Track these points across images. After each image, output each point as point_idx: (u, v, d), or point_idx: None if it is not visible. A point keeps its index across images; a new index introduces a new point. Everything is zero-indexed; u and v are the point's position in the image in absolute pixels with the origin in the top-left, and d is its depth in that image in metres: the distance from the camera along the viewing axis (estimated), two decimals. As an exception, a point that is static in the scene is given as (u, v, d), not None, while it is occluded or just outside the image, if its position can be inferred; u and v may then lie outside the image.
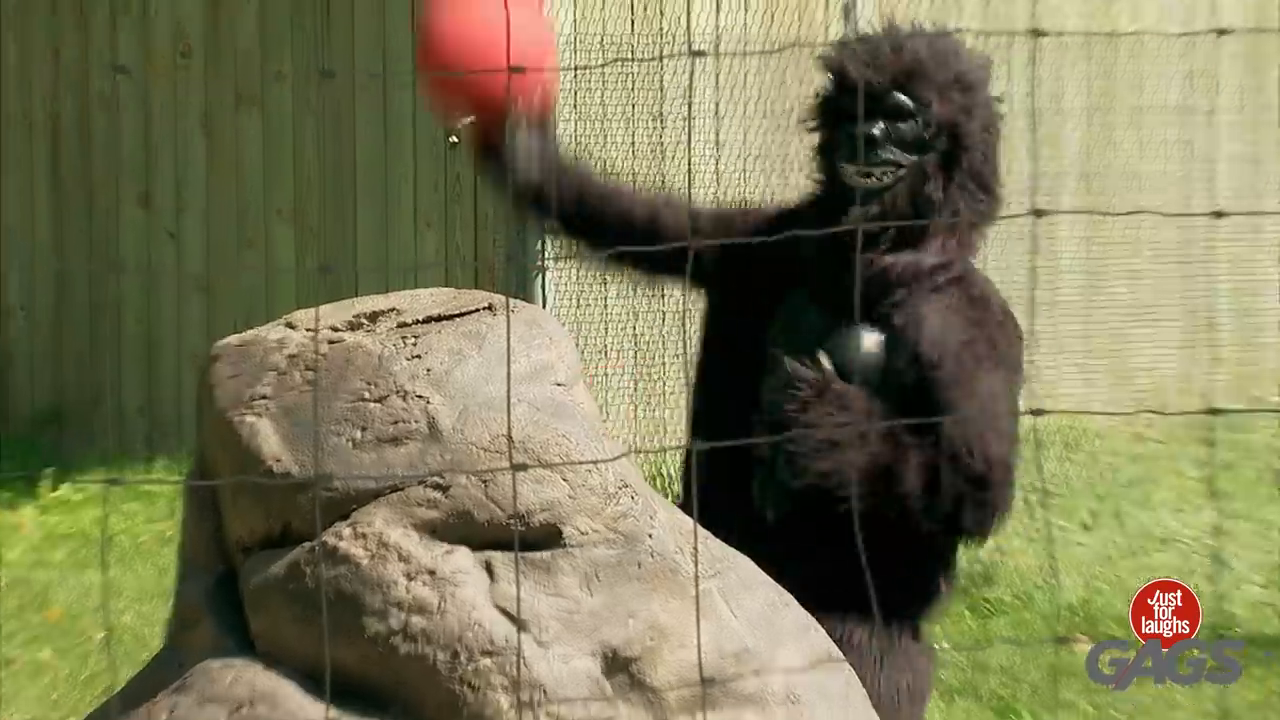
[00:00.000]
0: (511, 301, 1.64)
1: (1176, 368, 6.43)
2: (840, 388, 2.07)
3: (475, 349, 1.60)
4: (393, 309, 1.66)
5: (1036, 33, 5.69)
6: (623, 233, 2.26)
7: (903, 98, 2.09)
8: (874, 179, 2.11)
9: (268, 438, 1.57)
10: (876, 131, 2.08)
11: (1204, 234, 6.31)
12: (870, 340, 2.14)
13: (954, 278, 2.14)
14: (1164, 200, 6.20)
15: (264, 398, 1.58)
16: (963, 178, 2.11)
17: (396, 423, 1.57)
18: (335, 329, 1.62)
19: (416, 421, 1.58)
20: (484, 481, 1.55)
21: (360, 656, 1.55)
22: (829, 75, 2.21)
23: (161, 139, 6.14)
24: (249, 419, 1.57)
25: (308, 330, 1.62)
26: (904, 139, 2.10)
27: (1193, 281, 6.46)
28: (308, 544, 1.55)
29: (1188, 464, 5.43)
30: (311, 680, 1.53)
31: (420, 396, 1.57)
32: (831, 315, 2.16)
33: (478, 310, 1.65)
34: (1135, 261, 6.45)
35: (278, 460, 1.56)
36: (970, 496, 2.01)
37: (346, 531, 1.56)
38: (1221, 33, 5.71)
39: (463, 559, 1.55)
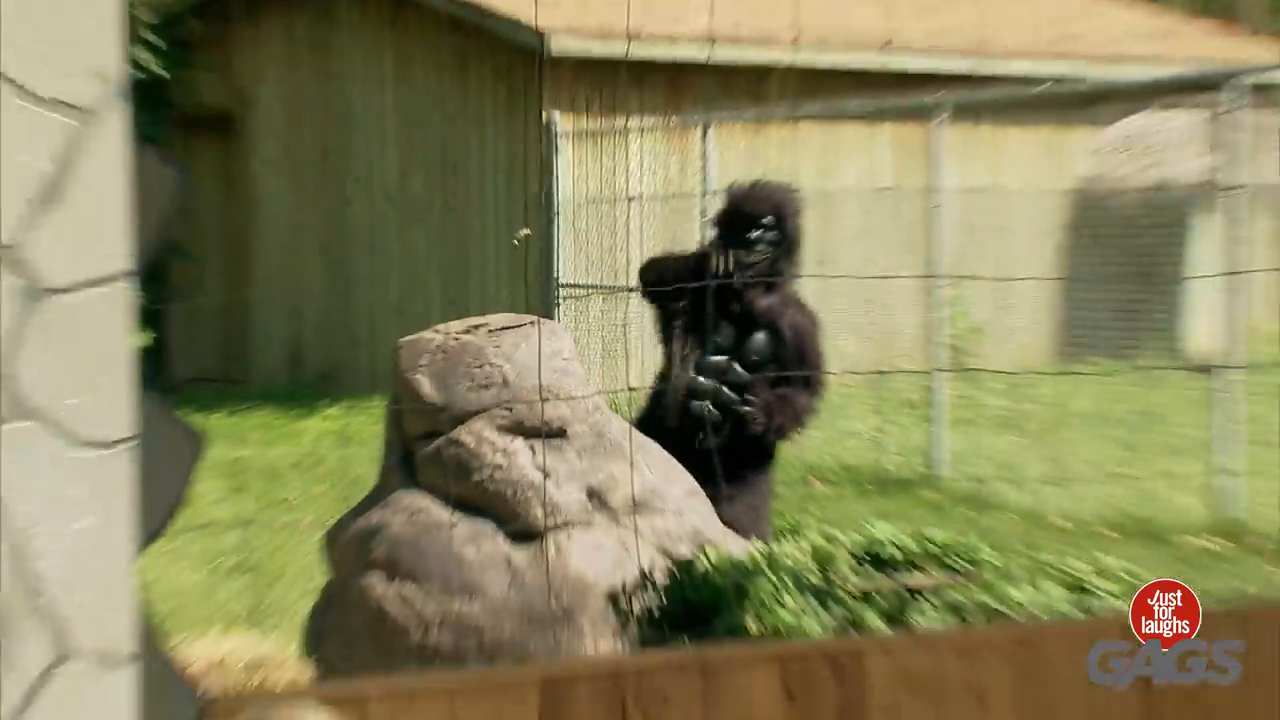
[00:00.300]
0: (541, 320, 3.31)
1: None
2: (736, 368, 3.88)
3: (525, 342, 3.26)
4: (485, 323, 3.33)
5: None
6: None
7: (770, 219, 3.86)
8: (754, 258, 3.87)
9: (424, 385, 3.23)
10: (754, 235, 3.84)
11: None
12: (759, 338, 3.89)
13: (793, 303, 3.92)
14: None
15: (423, 365, 3.24)
16: (792, 256, 3.89)
17: (487, 378, 3.22)
18: (457, 333, 3.29)
19: (496, 378, 3.23)
20: (528, 406, 3.19)
21: (469, 491, 3.19)
22: (731, 203, 4.00)
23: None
24: (416, 376, 3.23)
25: (444, 333, 3.29)
26: (766, 239, 3.85)
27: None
28: (444, 436, 3.21)
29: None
30: (446, 502, 3.18)
31: (497, 365, 3.23)
32: (733, 325, 3.91)
33: (527, 324, 3.32)
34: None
35: (430, 396, 3.22)
36: (792, 421, 3.81)
37: (463, 431, 3.21)
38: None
39: (519, 444, 3.20)
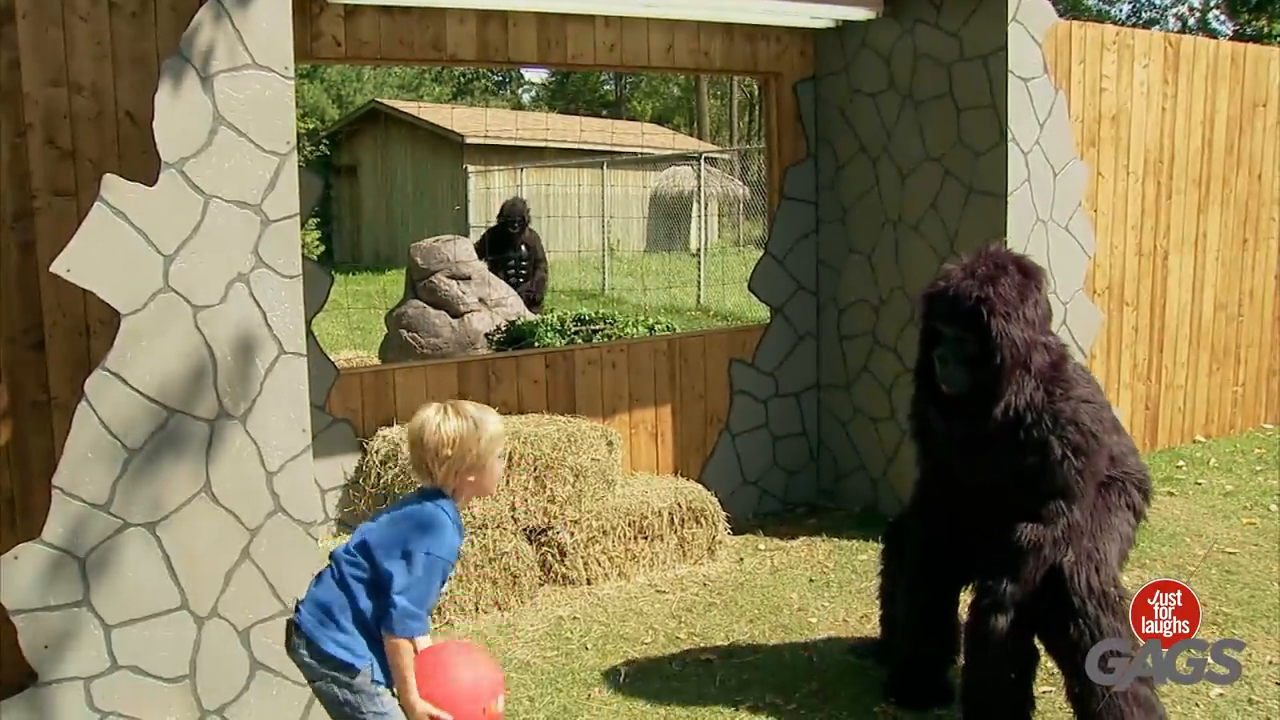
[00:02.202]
0: (458, 236, 9.12)
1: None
2: None
3: (454, 243, 9.03)
4: (440, 238, 9.12)
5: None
6: None
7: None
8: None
9: (418, 259, 8.99)
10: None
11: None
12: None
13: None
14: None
15: (419, 251, 9.01)
16: None
17: (440, 257, 8.99)
18: (431, 241, 9.08)
19: (444, 255, 8.97)
20: (454, 266, 8.96)
21: (434, 299, 8.95)
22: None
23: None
24: (415, 256, 9.00)
25: (428, 242, 9.09)
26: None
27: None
28: (426, 279, 8.98)
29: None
30: (426, 303, 8.94)
31: (445, 253, 8.97)
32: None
33: (456, 238, 9.13)
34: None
35: (421, 264, 8.99)
36: None
37: (433, 277, 8.97)
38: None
39: (453, 281, 8.96)
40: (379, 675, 2.86)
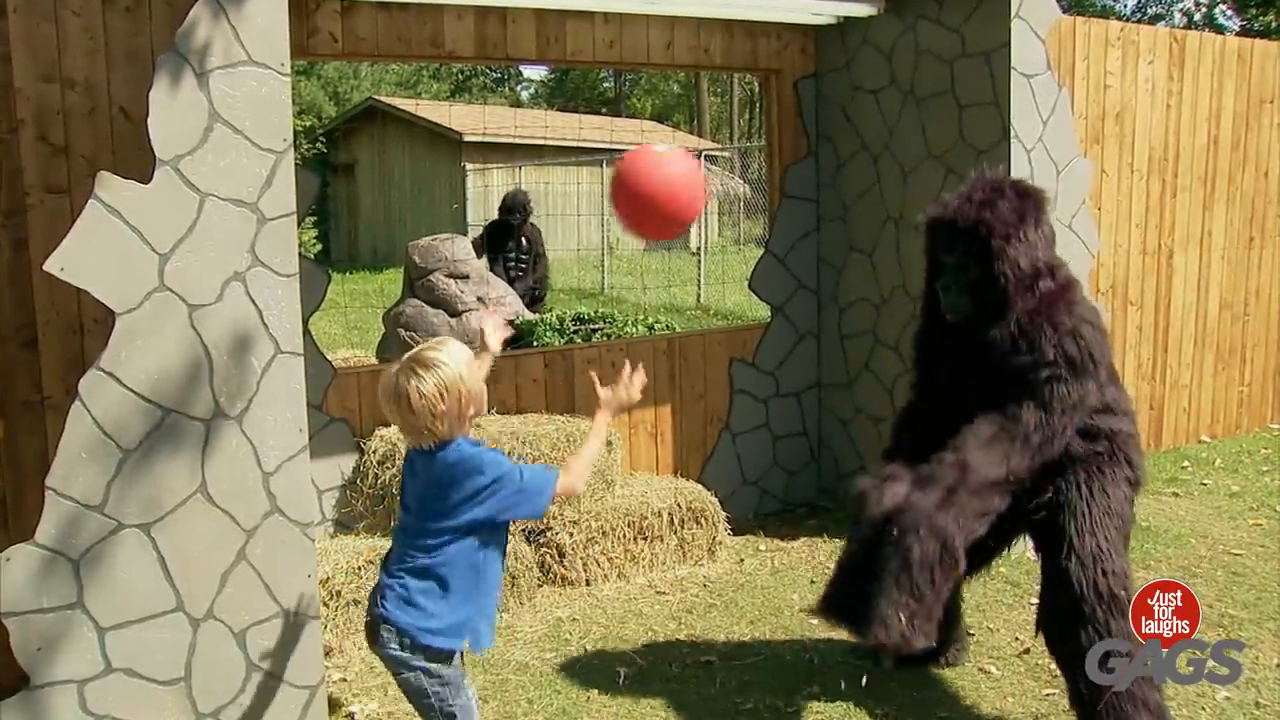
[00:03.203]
0: (456, 235, 9.09)
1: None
2: None
3: (452, 242, 9.00)
4: (437, 237, 9.08)
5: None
6: None
7: None
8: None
9: (416, 258, 8.95)
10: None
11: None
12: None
13: None
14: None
15: (416, 250, 8.97)
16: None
17: (439, 256, 8.95)
18: (429, 240, 9.04)
19: (443, 254, 8.93)
20: (453, 265, 8.93)
21: (432, 298, 8.92)
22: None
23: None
24: (413, 255, 8.96)
25: (425, 241, 9.05)
26: None
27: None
28: (424, 278, 8.93)
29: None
30: (425, 302, 8.90)
31: (443, 252, 8.93)
32: None
33: (454, 237, 9.09)
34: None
35: (419, 263, 8.95)
36: None
37: (430, 276, 8.94)
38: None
39: (450, 280, 8.92)
40: (484, 639, 2.90)
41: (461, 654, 2.93)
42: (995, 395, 3.46)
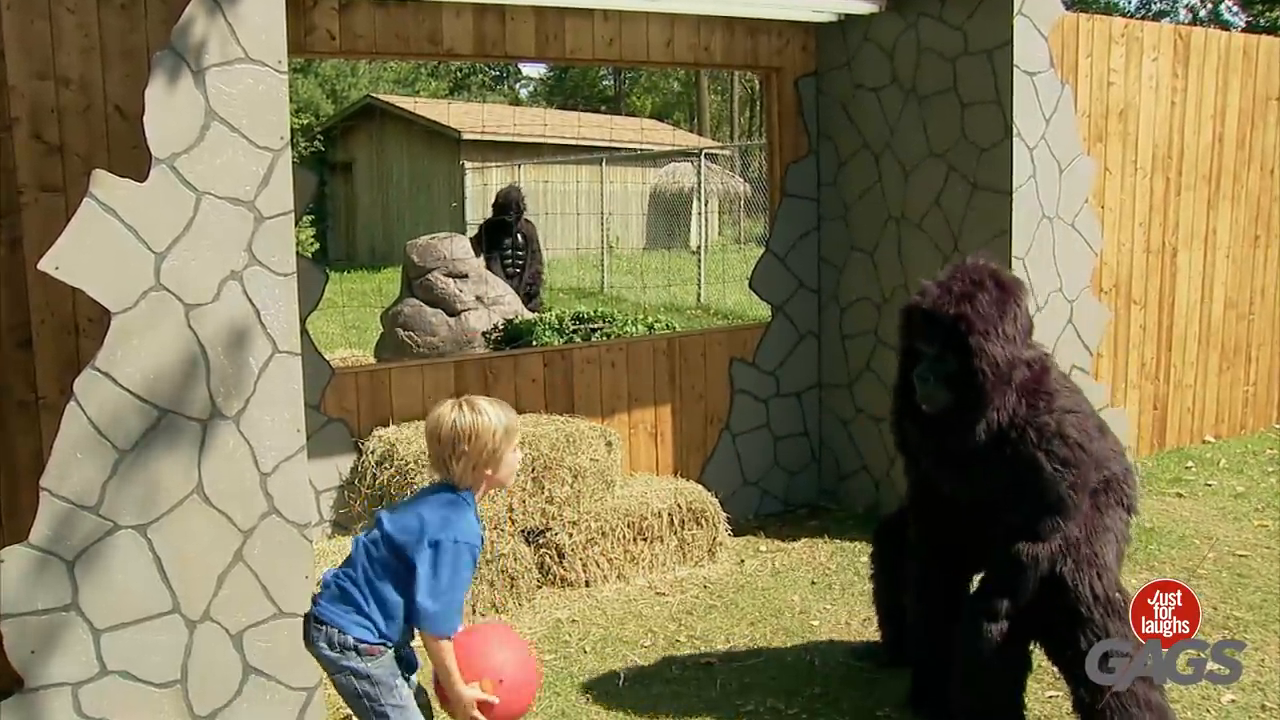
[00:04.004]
0: (455, 234, 9.05)
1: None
2: None
3: (451, 241, 8.96)
4: (436, 235, 9.03)
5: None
6: None
7: None
8: None
9: (414, 257, 8.91)
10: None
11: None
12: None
13: None
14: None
15: (415, 249, 8.93)
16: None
17: (437, 255, 8.91)
18: (428, 238, 9.00)
19: (442, 253, 8.89)
20: (452, 264, 8.89)
21: (430, 297, 8.87)
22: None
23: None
24: (411, 254, 8.92)
25: (424, 239, 9.01)
26: None
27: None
28: (423, 276, 8.89)
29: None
30: (424, 301, 8.86)
31: (442, 250, 8.89)
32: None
33: (453, 236, 9.05)
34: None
35: (417, 262, 8.91)
36: None
37: (429, 274, 8.89)
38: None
39: (449, 279, 8.88)
40: (396, 664, 2.93)
41: (399, 656, 2.96)
42: (995, 499, 3.49)
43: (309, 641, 2.94)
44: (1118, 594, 3.41)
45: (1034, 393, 3.41)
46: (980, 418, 3.36)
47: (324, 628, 2.88)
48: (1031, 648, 3.60)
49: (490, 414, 2.93)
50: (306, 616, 2.96)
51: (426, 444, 2.98)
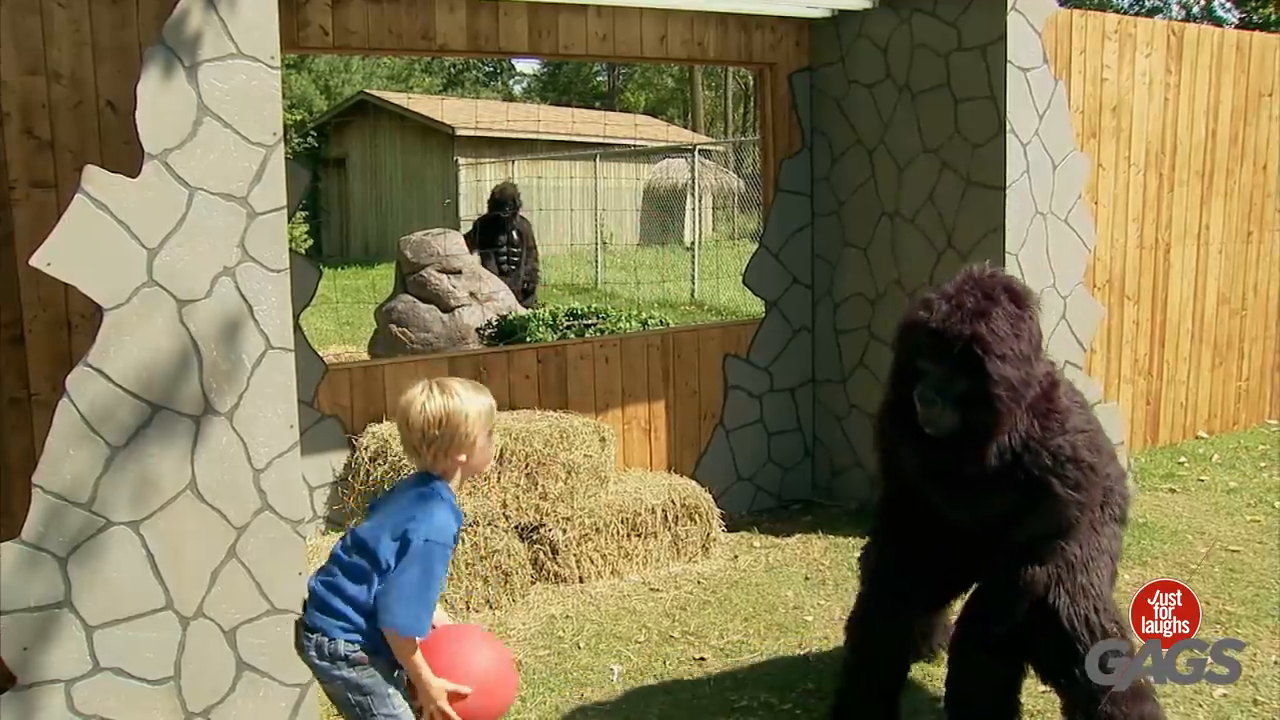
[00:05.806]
0: (449, 230, 9.03)
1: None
2: None
3: (444, 237, 8.94)
4: (430, 231, 9.02)
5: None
6: None
7: None
8: None
9: (408, 253, 8.89)
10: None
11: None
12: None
13: None
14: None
15: (408, 245, 8.91)
16: None
17: (431, 251, 8.90)
18: (421, 234, 8.98)
19: (435, 249, 8.88)
20: (445, 260, 8.87)
21: (424, 293, 8.86)
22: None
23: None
24: (404, 250, 8.91)
25: (417, 235, 8.99)
26: None
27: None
28: (416, 273, 8.88)
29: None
30: (417, 297, 8.85)
31: (435, 247, 8.88)
32: None
33: (447, 232, 9.03)
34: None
35: (410, 258, 8.89)
36: None
37: (423, 271, 8.88)
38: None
39: (443, 275, 8.87)
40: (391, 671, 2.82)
41: (391, 664, 2.82)
42: (1007, 526, 3.35)
43: (300, 649, 2.84)
44: (1114, 625, 3.30)
45: (1046, 413, 3.22)
46: (991, 442, 3.14)
47: (314, 635, 2.79)
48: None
49: (462, 396, 2.80)
50: (297, 624, 2.87)
51: (399, 429, 2.85)
